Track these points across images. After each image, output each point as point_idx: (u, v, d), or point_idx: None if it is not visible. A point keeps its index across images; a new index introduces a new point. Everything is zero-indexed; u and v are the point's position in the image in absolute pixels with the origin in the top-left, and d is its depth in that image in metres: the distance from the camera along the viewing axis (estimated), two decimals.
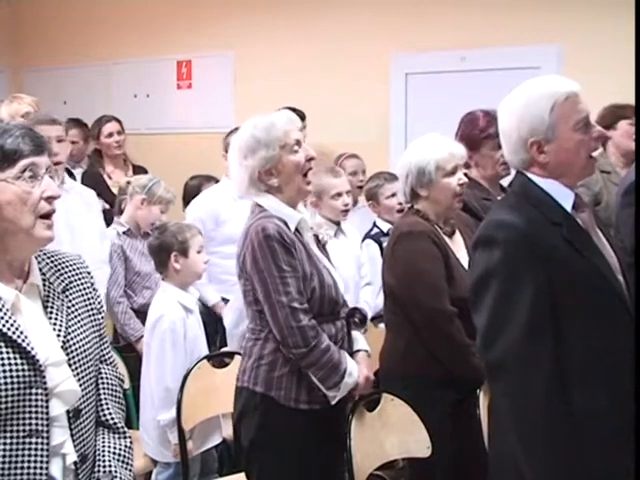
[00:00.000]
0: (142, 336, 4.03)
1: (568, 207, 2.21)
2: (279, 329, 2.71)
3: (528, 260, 2.10)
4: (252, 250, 2.73)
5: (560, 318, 2.09)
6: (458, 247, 3.21)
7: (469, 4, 5.39)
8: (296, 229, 2.82)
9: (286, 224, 2.77)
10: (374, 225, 4.46)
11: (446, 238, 3.18)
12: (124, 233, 4.30)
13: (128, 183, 4.42)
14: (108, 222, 4.41)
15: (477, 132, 3.56)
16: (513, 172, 3.65)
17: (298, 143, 2.81)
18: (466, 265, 3.15)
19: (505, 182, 3.89)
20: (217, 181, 4.90)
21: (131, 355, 4.02)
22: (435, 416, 2.98)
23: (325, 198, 4.05)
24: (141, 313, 4.13)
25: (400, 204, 4.17)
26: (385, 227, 4.31)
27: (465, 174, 3.23)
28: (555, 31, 5.12)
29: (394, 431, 2.99)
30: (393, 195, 4.33)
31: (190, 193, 5.23)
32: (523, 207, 2.19)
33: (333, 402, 2.78)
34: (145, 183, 4.34)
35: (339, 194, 4.05)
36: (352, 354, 2.90)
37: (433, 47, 5.51)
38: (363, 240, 4.39)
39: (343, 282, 2.98)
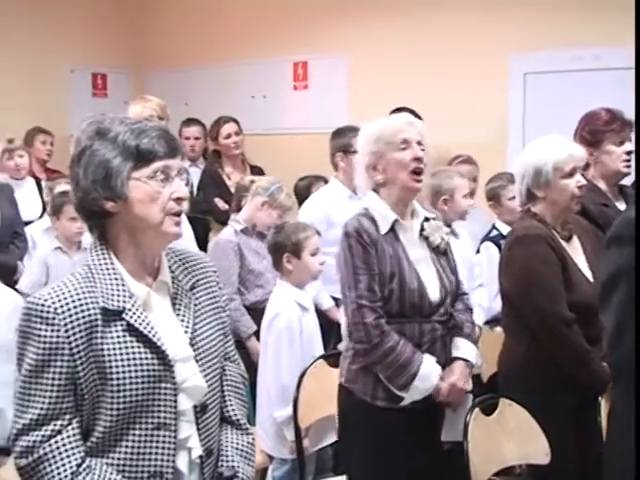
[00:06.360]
0: (253, 333, 4.12)
1: None
2: (348, 323, 2.82)
3: None
4: (339, 247, 2.85)
5: None
6: (575, 252, 3.14)
7: (592, 1, 5.25)
8: (393, 229, 2.84)
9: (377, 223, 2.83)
10: (493, 227, 4.42)
11: (563, 242, 3.11)
12: (241, 231, 4.32)
13: (252, 182, 4.45)
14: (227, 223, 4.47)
15: (600, 124, 3.50)
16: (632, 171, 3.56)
17: (405, 142, 2.83)
18: (584, 270, 3.09)
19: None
20: (326, 181, 4.92)
21: (240, 351, 4.05)
22: (556, 422, 2.92)
23: (457, 197, 4.09)
24: (252, 310, 4.19)
25: None
26: (505, 230, 4.22)
27: (584, 177, 3.16)
28: None
29: (512, 436, 2.95)
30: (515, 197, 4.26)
31: (300, 193, 5.28)
32: None
33: (402, 403, 2.77)
34: (268, 186, 4.34)
35: (468, 194, 4.10)
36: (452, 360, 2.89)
37: (553, 46, 5.38)
38: (482, 242, 4.35)
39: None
